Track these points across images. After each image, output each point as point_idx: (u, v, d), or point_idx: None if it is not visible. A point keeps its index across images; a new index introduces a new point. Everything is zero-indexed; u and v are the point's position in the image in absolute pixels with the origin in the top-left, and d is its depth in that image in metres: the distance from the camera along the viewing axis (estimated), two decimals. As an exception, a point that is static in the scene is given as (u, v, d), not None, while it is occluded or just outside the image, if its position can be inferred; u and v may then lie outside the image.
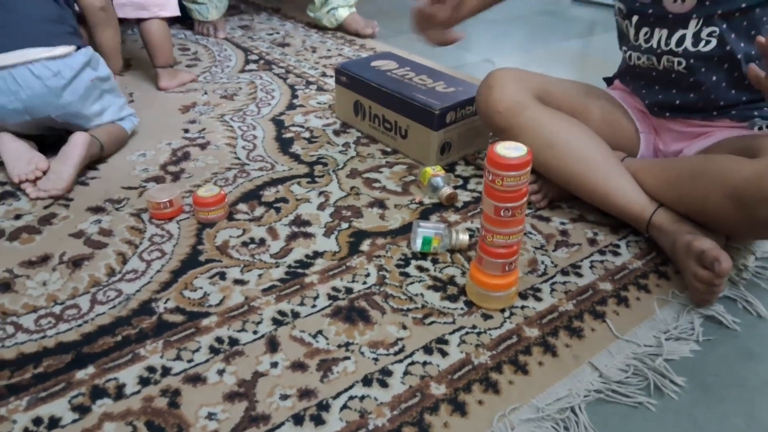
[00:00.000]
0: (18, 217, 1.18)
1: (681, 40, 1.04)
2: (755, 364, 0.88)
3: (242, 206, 1.21)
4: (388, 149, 1.45)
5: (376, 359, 0.86)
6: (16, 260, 1.06)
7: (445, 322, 0.93)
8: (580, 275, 1.04)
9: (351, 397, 0.80)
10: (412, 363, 0.85)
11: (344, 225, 1.16)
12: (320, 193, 1.26)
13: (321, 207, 1.21)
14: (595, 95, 1.20)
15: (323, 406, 0.79)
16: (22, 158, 1.28)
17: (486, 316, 0.94)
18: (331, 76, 1.85)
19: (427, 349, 0.88)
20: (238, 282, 1.01)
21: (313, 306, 0.96)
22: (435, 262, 1.06)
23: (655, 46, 1.07)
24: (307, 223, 1.16)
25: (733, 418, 0.80)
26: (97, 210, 1.20)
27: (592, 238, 1.13)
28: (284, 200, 1.23)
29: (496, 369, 0.85)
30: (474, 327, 0.92)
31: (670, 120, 1.16)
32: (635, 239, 1.12)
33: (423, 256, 1.08)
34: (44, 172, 1.27)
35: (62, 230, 1.14)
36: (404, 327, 0.92)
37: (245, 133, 1.52)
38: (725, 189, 0.91)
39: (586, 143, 1.10)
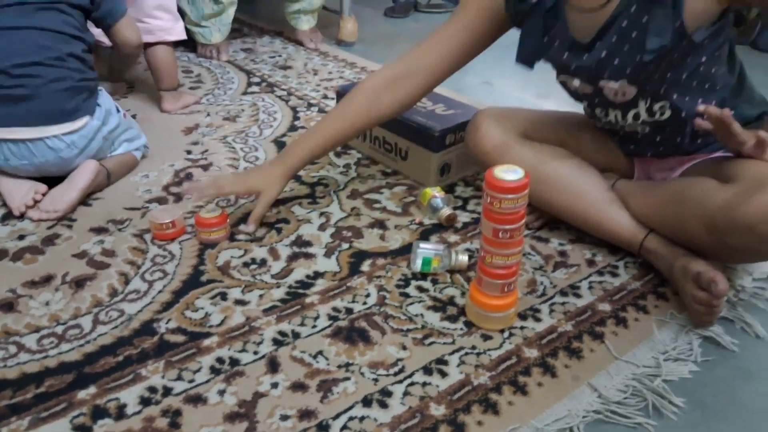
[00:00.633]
0: (21, 237, 1.19)
1: (636, 116, 1.05)
2: (754, 384, 0.88)
3: (244, 227, 1.22)
4: (389, 170, 1.46)
5: (376, 380, 0.86)
6: (19, 280, 1.07)
7: (444, 343, 0.93)
8: (578, 296, 1.04)
9: (351, 418, 0.80)
10: (412, 383, 0.86)
11: (345, 245, 1.17)
12: (321, 214, 1.27)
13: (322, 227, 1.22)
14: (585, 124, 1.22)
15: (323, 427, 0.79)
16: (21, 189, 1.27)
17: (485, 337, 0.95)
18: (332, 98, 1.87)
19: (427, 370, 0.88)
20: (239, 302, 1.01)
21: (314, 326, 0.96)
22: (435, 282, 1.07)
23: (613, 121, 1.09)
24: (308, 244, 1.17)
25: (731, 439, 0.80)
26: (100, 230, 1.21)
27: (590, 258, 1.14)
28: (285, 221, 1.25)
29: (495, 390, 0.85)
30: (473, 348, 0.92)
31: (647, 158, 1.18)
32: (633, 260, 1.13)
33: (423, 276, 1.08)
34: (44, 194, 1.27)
35: (65, 251, 1.15)
36: (404, 347, 0.92)
37: (247, 154, 1.54)
38: (700, 216, 0.93)
39: (575, 175, 1.13)
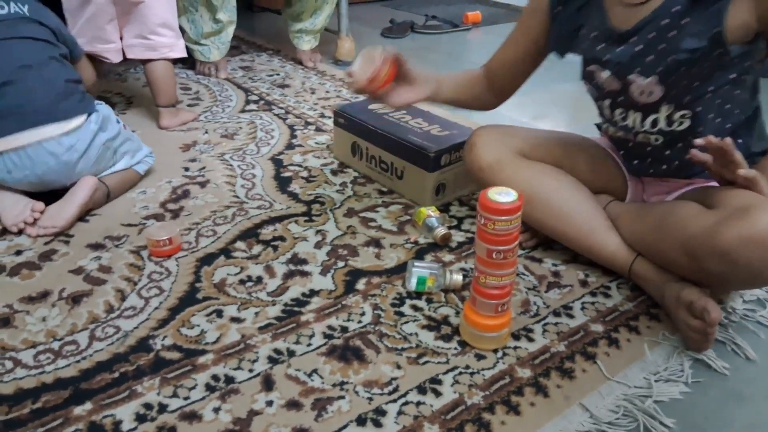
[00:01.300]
0: (18, 252, 1.20)
1: (655, 122, 1.06)
2: (744, 406, 0.89)
3: (240, 244, 1.23)
4: (385, 189, 1.48)
5: (370, 398, 0.87)
6: (16, 296, 1.07)
7: (438, 362, 0.94)
8: (571, 316, 1.05)
9: (345, 436, 0.81)
10: (406, 403, 0.86)
11: (340, 264, 1.18)
12: (317, 232, 1.28)
13: (318, 245, 1.23)
14: (582, 145, 1.24)
15: (317, 445, 0.80)
16: (18, 205, 1.27)
17: (479, 357, 0.95)
18: (330, 117, 1.89)
19: (421, 389, 0.89)
20: (235, 320, 1.02)
21: (309, 344, 0.97)
22: (429, 301, 1.08)
23: (630, 125, 1.10)
24: (304, 262, 1.18)
25: (721, 460, 0.81)
26: (97, 247, 1.22)
27: (583, 279, 1.15)
28: (282, 238, 1.26)
29: (488, 409, 0.86)
30: (467, 367, 0.93)
31: (648, 177, 1.20)
32: (626, 282, 1.14)
33: (418, 295, 1.09)
34: (41, 212, 1.27)
35: (62, 266, 1.15)
36: (398, 366, 0.93)
37: (244, 171, 1.55)
38: (679, 241, 0.95)
39: (568, 196, 1.14)
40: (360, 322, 1.02)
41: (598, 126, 1.36)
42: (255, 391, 0.88)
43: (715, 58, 0.95)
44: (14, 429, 0.81)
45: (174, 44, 1.78)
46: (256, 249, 1.22)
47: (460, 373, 0.92)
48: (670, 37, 0.96)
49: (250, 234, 1.27)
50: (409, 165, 1.39)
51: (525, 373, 0.93)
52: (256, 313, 1.04)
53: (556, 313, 1.06)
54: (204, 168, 1.57)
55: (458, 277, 1.09)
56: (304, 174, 1.55)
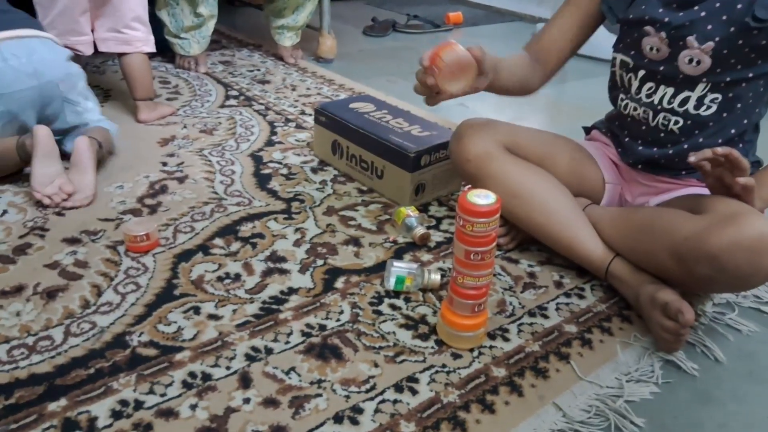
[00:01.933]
0: (-8, 246, 1.18)
1: (684, 101, 1.07)
2: (712, 407, 0.92)
3: (218, 241, 1.23)
4: (365, 188, 1.48)
5: (347, 396, 0.88)
6: (-11, 290, 1.06)
7: (415, 361, 0.95)
8: (546, 317, 1.07)
9: (322, 434, 0.82)
10: (383, 401, 0.87)
11: (319, 262, 1.18)
12: (296, 230, 1.28)
13: (297, 243, 1.24)
14: (563, 145, 1.25)
15: (294, 443, 0.80)
16: (51, 180, 1.32)
17: (456, 356, 0.97)
18: (310, 114, 1.89)
19: (398, 387, 0.90)
20: (212, 317, 1.02)
21: (287, 342, 0.97)
22: (407, 300, 1.09)
23: (656, 102, 1.10)
24: (283, 260, 1.18)
25: (689, 459, 0.83)
26: (73, 241, 1.21)
27: (558, 281, 1.17)
28: (260, 236, 1.26)
29: (464, 408, 0.87)
30: (444, 366, 0.94)
31: (640, 173, 1.21)
32: (600, 283, 1.16)
33: (396, 294, 1.10)
34: (69, 195, 1.33)
35: (37, 261, 1.14)
36: (376, 365, 0.94)
37: (223, 167, 1.55)
38: (668, 245, 0.97)
39: (551, 194, 1.15)
40: (338, 320, 1.03)
41: (586, 129, 1.38)
42: (232, 389, 0.88)
43: None
44: (-13, 425, 0.80)
45: (147, 39, 1.78)
46: (235, 246, 1.22)
47: (437, 372, 0.93)
48: (737, 9, 0.98)
49: (228, 231, 1.27)
50: (390, 164, 1.40)
51: (500, 372, 0.94)
52: (234, 311, 1.04)
53: (531, 314, 1.07)
54: (182, 163, 1.56)
55: (436, 277, 1.10)
56: (284, 171, 1.55)
